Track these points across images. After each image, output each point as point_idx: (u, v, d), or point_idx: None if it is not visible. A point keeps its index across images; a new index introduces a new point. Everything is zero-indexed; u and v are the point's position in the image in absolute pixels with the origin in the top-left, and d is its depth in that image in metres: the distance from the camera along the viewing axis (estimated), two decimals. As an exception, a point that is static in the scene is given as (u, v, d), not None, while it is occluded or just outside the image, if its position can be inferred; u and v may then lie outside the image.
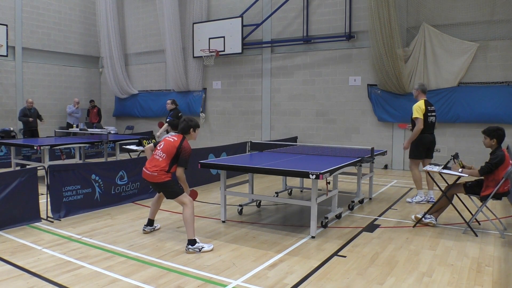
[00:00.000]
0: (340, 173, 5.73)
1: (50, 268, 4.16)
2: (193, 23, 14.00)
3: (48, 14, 15.25)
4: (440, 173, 5.54)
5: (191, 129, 4.96)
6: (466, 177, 5.48)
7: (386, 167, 11.39)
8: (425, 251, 4.76)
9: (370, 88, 11.49)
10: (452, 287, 3.80)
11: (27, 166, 8.28)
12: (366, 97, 11.61)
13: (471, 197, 5.65)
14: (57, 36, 15.56)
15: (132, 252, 4.67)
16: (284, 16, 12.74)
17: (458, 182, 5.60)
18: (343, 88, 11.95)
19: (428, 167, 5.78)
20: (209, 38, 13.54)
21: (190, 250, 4.66)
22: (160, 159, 4.84)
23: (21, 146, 9.42)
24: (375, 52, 10.84)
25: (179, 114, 10.00)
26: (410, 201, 7.27)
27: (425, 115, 6.94)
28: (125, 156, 10.32)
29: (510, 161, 5.34)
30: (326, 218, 5.66)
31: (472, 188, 5.52)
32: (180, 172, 4.83)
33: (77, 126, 13.91)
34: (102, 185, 6.67)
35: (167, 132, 8.01)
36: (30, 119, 11.66)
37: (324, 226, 5.61)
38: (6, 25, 13.38)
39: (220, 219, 5.99)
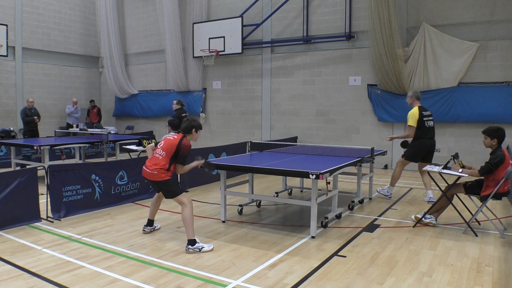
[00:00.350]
0: (340, 173, 5.74)
1: (50, 268, 4.16)
2: (193, 23, 14.00)
3: (48, 14, 15.25)
4: (440, 173, 5.53)
5: (193, 129, 4.95)
6: (466, 177, 5.47)
7: (386, 167, 11.39)
8: (425, 251, 4.76)
9: (370, 88, 11.50)
10: (452, 287, 3.80)
11: (27, 166, 8.28)
12: (366, 97, 11.61)
13: (471, 197, 5.65)
14: (57, 36, 15.56)
15: (132, 252, 4.67)
16: (284, 16, 12.74)
17: (458, 182, 5.59)
18: (343, 88, 11.95)
19: (428, 167, 5.78)
20: (209, 38, 13.54)
21: (190, 250, 4.66)
22: (160, 157, 4.83)
23: (21, 146, 9.42)
24: (375, 52, 10.84)
25: (182, 115, 9.98)
26: (379, 190, 7.65)
27: (422, 121, 7.00)
28: (125, 156, 10.32)
29: (510, 161, 5.34)
30: (326, 218, 5.66)
31: (472, 188, 5.52)
32: (180, 169, 4.87)
33: (77, 126, 13.91)
34: (102, 185, 6.67)
35: (168, 132, 8.01)
36: (35, 117, 11.65)
37: (324, 226, 5.61)
38: (6, 25, 13.38)
39: (220, 219, 5.99)
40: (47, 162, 8.31)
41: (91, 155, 12.33)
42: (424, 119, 7.04)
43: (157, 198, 5.38)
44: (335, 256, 4.57)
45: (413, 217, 5.96)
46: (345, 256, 4.57)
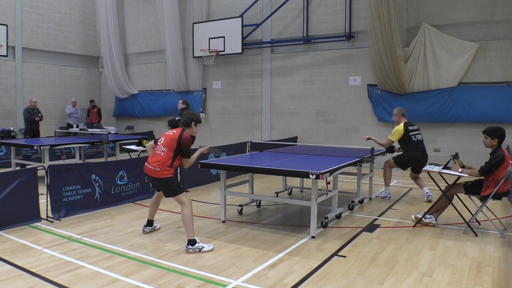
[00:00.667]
0: (340, 173, 5.73)
1: (50, 268, 4.16)
2: (193, 23, 14.00)
3: (48, 14, 15.25)
4: (440, 173, 5.53)
5: (193, 123, 4.94)
6: (466, 177, 5.48)
7: (386, 167, 11.38)
8: (425, 251, 4.76)
9: (370, 88, 11.50)
10: (452, 287, 3.80)
11: (27, 166, 8.28)
12: (366, 97, 11.61)
13: (471, 197, 5.65)
14: (57, 36, 15.56)
15: (132, 252, 4.67)
16: (284, 16, 12.74)
17: (458, 182, 5.59)
18: (343, 88, 11.95)
19: (428, 167, 5.78)
20: (209, 38, 13.54)
21: (190, 250, 4.65)
22: (162, 153, 4.82)
23: (21, 146, 9.42)
24: (375, 52, 10.84)
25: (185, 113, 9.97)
26: (377, 195, 7.66)
27: (408, 136, 7.18)
28: (125, 156, 10.32)
29: (510, 161, 5.34)
30: (326, 218, 5.66)
31: (472, 188, 5.52)
32: (186, 162, 4.87)
33: (77, 126, 13.91)
34: (102, 185, 6.66)
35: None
36: (39, 116, 11.65)
37: (324, 226, 5.61)
38: (6, 25, 13.38)
39: (220, 219, 5.99)
40: (47, 162, 8.31)
41: (91, 155, 12.33)
42: (411, 134, 7.21)
43: (156, 198, 5.37)
44: (335, 256, 4.57)
45: (413, 217, 5.96)
46: (345, 256, 4.57)
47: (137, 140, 9.96)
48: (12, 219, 5.50)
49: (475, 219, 5.67)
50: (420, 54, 10.65)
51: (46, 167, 6.13)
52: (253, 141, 7.92)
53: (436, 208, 5.77)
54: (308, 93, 12.49)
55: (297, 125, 12.74)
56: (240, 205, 6.44)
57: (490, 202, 5.83)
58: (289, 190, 7.90)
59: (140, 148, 9.12)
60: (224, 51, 13.36)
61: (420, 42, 10.64)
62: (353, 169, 6.37)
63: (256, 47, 13.26)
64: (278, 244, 4.98)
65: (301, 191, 7.99)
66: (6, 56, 13.53)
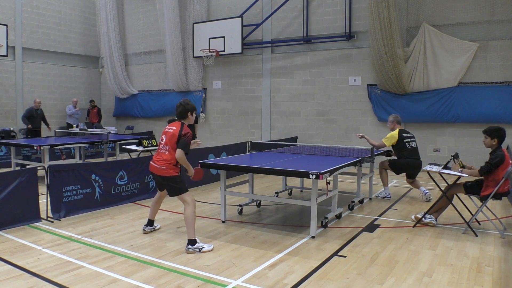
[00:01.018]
0: (340, 173, 5.73)
1: (50, 268, 4.16)
2: (193, 23, 14.00)
3: (48, 14, 15.25)
4: (440, 173, 5.53)
5: (189, 113, 4.92)
6: (466, 177, 5.48)
7: (386, 167, 11.38)
8: (425, 251, 4.76)
9: (370, 88, 11.50)
10: (452, 287, 3.80)
11: (27, 166, 8.28)
12: (366, 97, 11.61)
13: (471, 197, 5.65)
14: (57, 36, 15.56)
15: (132, 252, 4.67)
16: (284, 16, 12.74)
17: (458, 182, 5.59)
18: (343, 88, 11.95)
19: (428, 167, 5.78)
20: (209, 38, 13.54)
21: (190, 250, 4.65)
22: (166, 152, 4.81)
23: (21, 146, 9.42)
24: (375, 52, 10.84)
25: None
26: (377, 195, 7.68)
27: (402, 143, 7.24)
28: (125, 156, 10.31)
29: (510, 161, 5.34)
30: (326, 218, 5.66)
31: (472, 188, 5.52)
32: (179, 153, 4.72)
33: (77, 126, 13.91)
34: (102, 185, 6.67)
35: None
36: (29, 126, 11.57)
37: (324, 226, 5.61)
38: (6, 25, 13.38)
39: (220, 219, 5.99)
40: (47, 162, 8.31)
41: (91, 155, 12.33)
42: (405, 140, 7.27)
43: (158, 198, 5.36)
44: (335, 256, 4.57)
45: (413, 217, 5.96)
46: (345, 256, 4.57)
47: (137, 140, 9.95)
48: (12, 219, 5.50)
49: (475, 219, 5.67)
50: (420, 54, 10.65)
51: (46, 167, 6.13)
52: (253, 141, 7.92)
53: (436, 208, 5.77)
54: (308, 93, 12.49)
55: (297, 125, 12.74)
56: (240, 205, 6.44)
57: (490, 202, 5.83)
58: (289, 190, 7.90)
59: (140, 148, 9.11)
60: (224, 51, 13.36)
61: (420, 42, 10.64)
62: (353, 169, 6.37)
63: (256, 47, 13.26)
64: (278, 244, 4.98)
65: (301, 191, 7.99)
66: (6, 56, 13.53)
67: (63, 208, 6.10)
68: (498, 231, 5.38)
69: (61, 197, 6.09)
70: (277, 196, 7.19)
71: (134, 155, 9.82)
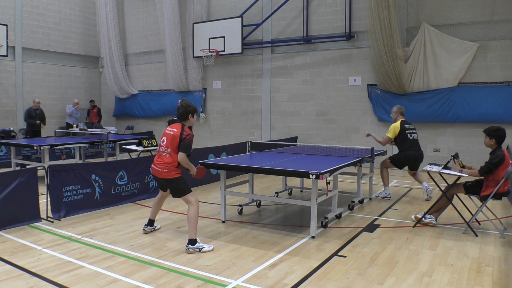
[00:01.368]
0: (340, 173, 5.73)
1: (50, 268, 4.16)
2: (193, 23, 14.00)
3: (48, 14, 15.25)
4: (440, 173, 5.53)
5: (190, 115, 4.90)
6: (466, 177, 5.48)
7: (386, 167, 11.38)
8: (425, 251, 4.76)
9: (370, 88, 11.50)
10: (452, 287, 3.80)
11: (27, 166, 8.28)
12: (366, 97, 11.61)
13: (471, 197, 5.65)
14: (57, 36, 15.56)
15: (132, 252, 4.67)
16: (284, 16, 12.74)
17: (458, 182, 5.59)
18: (343, 88, 11.95)
19: (428, 167, 5.78)
20: (209, 38, 13.54)
21: (190, 249, 4.65)
22: (167, 155, 4.80)
23: (21, 146, 9.42)
24: (375, 52, 10.84)
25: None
26: (377, 195, 7.69)
27: (404, 134, 7.30)
28: (125, 156, 10.31)
29: (510, 161, 5.34)
30: (326, 218, 5.66)
31: (472, 188, 5.52)
32: (182, 157, 4.71)
33: (77, 126, 13.91)
34: (102, 185, 6.67)
35: None
36: (37, 121, 11.58)
37: (324, 226, 5.61)
38: (6, 25, 13.38)
39: (220, 219, 5.99)
40: (47, 162, 8.31)
41: (91, 155, 12.33)
42: (407, 131, 7.33)
43: (160, 198, 5.35)
44: (335, 256, 4.57)
45: (413, 217, 5.96)
46: (345, 256, 4.57)
47: (137, 140, 9.95)
48: (12, 219, 5.50)
49: (475, 219, 5.67)
50: (420, 54, 10.65)
51: (46, 167, 6.13)
52: (253, 141, 7.92)
53: (436, 208, 5.77)
54: (308, 93, 12.49)
55: (297, 125, 12.74)
56: (240, 205, 6.44)
57: (490, 202, 5.83)
58: (289, 190, 7.90)
59: (140, 148, 9.11)
60: (224, 51, 13.36)
61: (420, 42, 10.64)
62: (353, 169, 6.37)
63: (256, 47, 13.26)
64: (278, 244, 4.98)
65: (301, 191, 7.99)
66: (6, 56, 13.53)
67: (63, 208, 6.10)
68: (498, 231, 5.38)
69: (61, 197, 6.09)
70: (277, 196, 7.19)
71: (134, 155, 9.82)
